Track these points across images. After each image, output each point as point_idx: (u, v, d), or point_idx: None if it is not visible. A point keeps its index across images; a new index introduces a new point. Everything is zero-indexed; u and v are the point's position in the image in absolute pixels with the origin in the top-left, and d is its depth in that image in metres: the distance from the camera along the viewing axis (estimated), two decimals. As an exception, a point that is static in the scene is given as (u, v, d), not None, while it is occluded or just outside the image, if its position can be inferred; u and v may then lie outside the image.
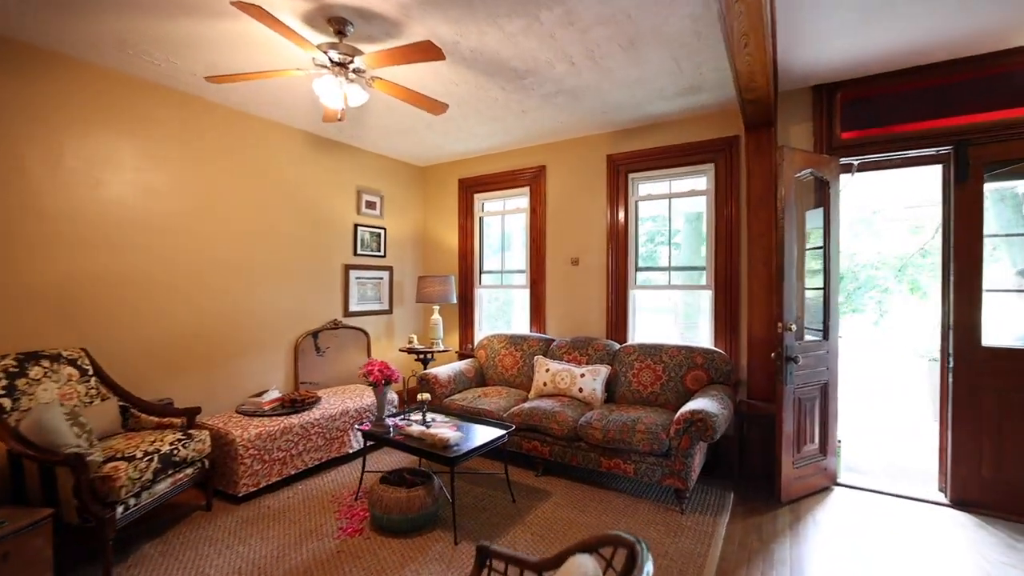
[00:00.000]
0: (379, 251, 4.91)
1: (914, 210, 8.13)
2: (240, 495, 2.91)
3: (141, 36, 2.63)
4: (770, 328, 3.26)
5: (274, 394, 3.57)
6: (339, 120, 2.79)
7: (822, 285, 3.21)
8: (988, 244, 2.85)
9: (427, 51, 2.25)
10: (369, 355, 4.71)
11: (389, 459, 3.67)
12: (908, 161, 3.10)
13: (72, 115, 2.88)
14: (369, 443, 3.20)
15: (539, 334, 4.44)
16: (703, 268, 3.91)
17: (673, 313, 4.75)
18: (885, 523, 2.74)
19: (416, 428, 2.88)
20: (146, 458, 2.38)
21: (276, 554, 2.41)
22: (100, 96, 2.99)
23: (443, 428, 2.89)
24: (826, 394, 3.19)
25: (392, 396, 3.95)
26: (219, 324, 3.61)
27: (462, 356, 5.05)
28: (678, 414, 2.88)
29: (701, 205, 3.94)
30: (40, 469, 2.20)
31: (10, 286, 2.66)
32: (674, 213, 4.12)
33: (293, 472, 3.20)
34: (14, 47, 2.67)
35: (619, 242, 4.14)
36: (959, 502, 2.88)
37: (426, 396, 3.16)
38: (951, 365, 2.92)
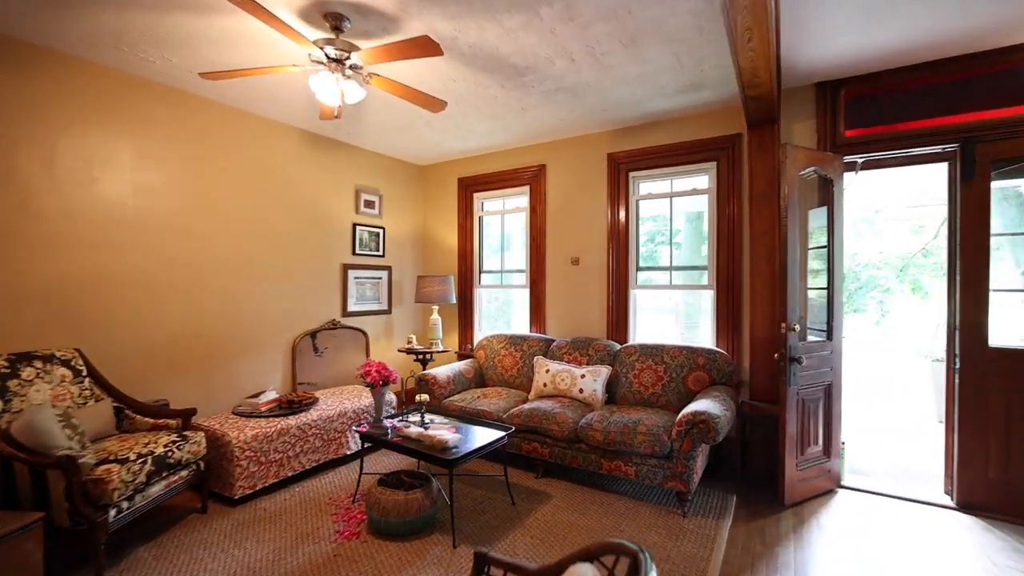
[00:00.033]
0: (378, 251, 4.87)
1: (916, 209, 8.09)
2: (236, 497, 2.87)
3: (137, 33, 2.59)
4: (773, 328, 3.22)
5: (271, 395, 3.53)
6: (336, 117, 2.75)
7: (826, 285, 3.17)
8: (992, 243, 2.81)
9: (425, 46, 2.22)
10: (368, 355, 4.67)
11: (387, 461, 3.63)
12: (913, 159, 3.06)
13: (68, 113, 2.84)
14: (367, 445, 3.16)
15: (539, 334, 4.40)
16: (704, 267, 3.87)
17: (674, 313, 4.71)
18: (890, 526, 2.70)
19: (414, 430, 2.84)
20: (140, 460, 2.34)
21: (272, 558, 2.38)
22: (96, 94, 2.95)
23: (442, 430, 2.85)
24: (830, 395, 3.15)
25: (390, 397, 3.91)
26: (216, 324, 3.57)
27: (461, 356, 5.02)
28: (680, 416, 2.84)
29: (703, 204, 3.90)
30: (31, 472, 2.17)
31: (4, 286, 2.62)
32: (675, 212, 4.08)
33: (290, 474, 3.16)
34: (10, 45, 2.64)
35: (620, 241, 4.10)
36: (965, 505, 2.84)
37: (424, 397, 3.12)
38: (957, 366, 2.88)
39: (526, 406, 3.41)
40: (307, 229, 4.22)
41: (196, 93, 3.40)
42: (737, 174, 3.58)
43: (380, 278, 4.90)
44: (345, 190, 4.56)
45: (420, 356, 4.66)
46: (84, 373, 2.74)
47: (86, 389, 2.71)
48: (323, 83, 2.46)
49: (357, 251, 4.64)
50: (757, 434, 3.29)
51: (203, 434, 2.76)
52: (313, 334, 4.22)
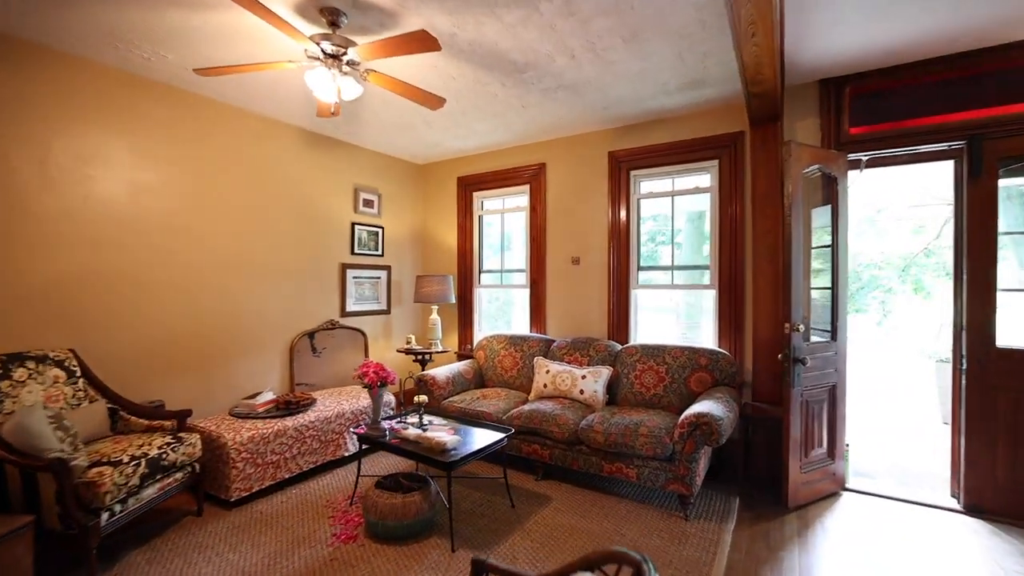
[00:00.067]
0: (377, 250, 4.83)
1: (918, 209, 8.05)
2: (232, 500, 2.84)
3: (132, 29, 2.56)
4: (776, 328, 3.17)
5: (268, 396, 3.49)
6: (332, 114, 2.71)
7: (829, 284, 3.12)
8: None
9: (422, 41, 2.18)
10: (367, 356, 4.63)
11: (386, 462, 3.59)
12: (919, 157, 3.02)
13: (61, 111, 2.81)
14: (364, 447, 3.12)
15: (539, 335, 4.36)
16: (706, 267, 3.82)
17: (675, 313, 4.66)
18: (896, 530, 2.65)
19: (412, 431, 2.80)
20: (133, 463, 2.30)
21: (267, 562, 2.34)
22: (91, 92, 2.92)
23: (440, 431, 2.81)
24: (834, 397, 3.11)
25: (389, 398, 3.87)
26: (214, 324, 3.53)
27: (461, 357, 4.98)
28: (682, 417, 2.80)
29: (704, 203, 3.86)
30: (22, 474, 2.13)
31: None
32: (677, 211, 4.03)
33: (287, 476, 3.12)
34: (6, 43, 2.60)
35: (621, 241, 4.06)
36: (973, 508, 2.79)
37: (423, 398, 3.08)
38: (964, 366, 2.84)
39: (526, 407, 3.37)
40: (306, 228, 4.18)
41: (194, 91, 3.36)
42: (739, 172, 3.54)
43: (379, 278, 4.86)
44: (344, 189, 4.52)
45: (419, 356, 4.61)
46: (78, 374, 2.70)
47: (80, 390, 2.67)
48: (319, 79, 2.42)
49: (356, 250, 4.61)
50: (760, 436, 3.25)
51: (198, 436, 2.72)
52: (311, 334, 4.18)
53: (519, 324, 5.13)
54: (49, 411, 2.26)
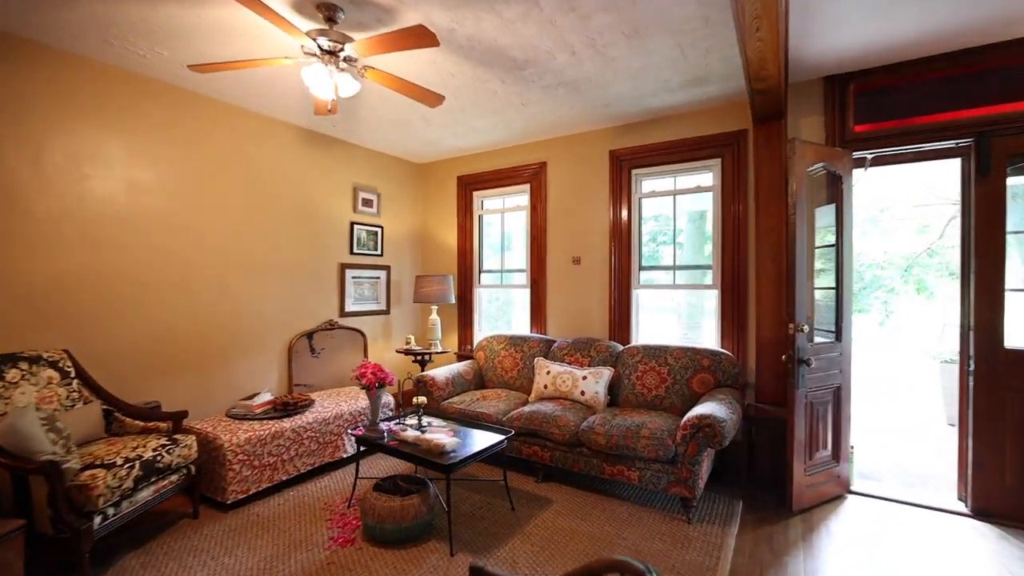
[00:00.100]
0: (376, 250, 4.79)
1: (922, 209, 8.00)
2: (228, 502, 2.80)
3: (126, 25, 2.52)
4: (779, 329, 3.13)
5: (266, 397, 3.46)
6: (330, 111, 2.68)
7: (834, 284, 3.08)
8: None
9: (420, 37, 2.14)
10: (366, 356, 4.59)
11: (385, 464, 3.55)
12: (925, 155, 2.97)
13: (60, 110, 2.78)
14: (363, 448, 3.08)
15: (540, 335, 4.32)
16: (708, 267, 3.78)
17: (676, 313, 4.62)
18: (903, 534, 2.61)
19: (411, 433, 2.76)
20: (127, 465, 2.27)
21: (263, 566, 2.30)
22: (89, 91, 2.89)
23: (439, 433, 2.77)
24: (839, 398, 3.06)
25: (388, 399, 3.83)
26: (211, 324, 3.50)
27: (461, 357, 4.94)
28: (685, 419, 2.76)
29: (707, 202, 3.82)
30: (13, 477, 2.10)
31: (-11, 285, 2.56)
32: (679, 210, 3.99)
33: (284, 478, 3.08)
34: (1, 40, 2.57)
35: (622, 240, 4.02)
36: (980, 512, 2.75)
37: (422, 400, 3.05)
38: (971, 367, 2.79)
39: (526, 408, 3.33)
40: (304, 228, 4.14)
41: (190, 89, 3.32)
42: (742, 171, 3.50)
43: (378, 278, 4.83)
44: (343, 188, 4.48)
45: (419, 357, 4.58)
46: (72, 375, 2.67)
47: (74, 391, 2.64)
48: (316, 75, 2.38)
49: (355, 250, 4.57)
50: (763, 437, 3.20)
51: (194, 437, 2.69)
52: (310, 334, 4.14)
53: (519, 324, 5.09)
54: (42, 412, 2.23)
